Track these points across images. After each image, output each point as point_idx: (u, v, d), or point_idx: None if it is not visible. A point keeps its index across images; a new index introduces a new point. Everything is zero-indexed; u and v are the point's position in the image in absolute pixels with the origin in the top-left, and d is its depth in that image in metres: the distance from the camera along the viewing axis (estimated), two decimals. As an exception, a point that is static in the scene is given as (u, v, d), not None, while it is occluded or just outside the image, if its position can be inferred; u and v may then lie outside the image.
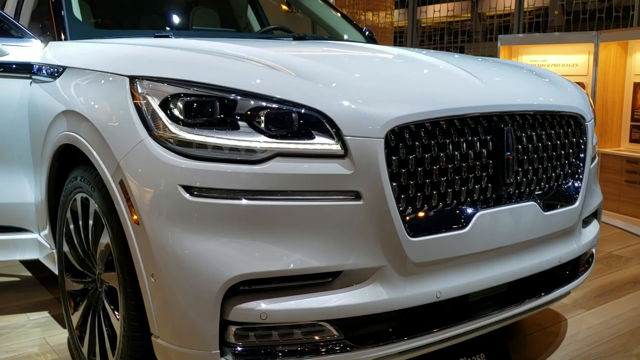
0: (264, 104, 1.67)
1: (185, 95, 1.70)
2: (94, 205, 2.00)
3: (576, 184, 2.20)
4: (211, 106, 1.68)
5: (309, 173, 1.64)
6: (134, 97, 1.79)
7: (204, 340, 1.65)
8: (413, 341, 1.82)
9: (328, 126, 1.65)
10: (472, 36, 9.48)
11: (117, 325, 1.94)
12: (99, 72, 2.01)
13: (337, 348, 1.72)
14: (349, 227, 1.66)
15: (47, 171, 2.33)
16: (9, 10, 3.19)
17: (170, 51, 2.08)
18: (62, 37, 2.57)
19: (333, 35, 3.61)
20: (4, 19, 2.54)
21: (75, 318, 2.28)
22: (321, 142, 1.65)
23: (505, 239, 1.96)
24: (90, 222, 2.05)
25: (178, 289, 1.64)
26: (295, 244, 1.64)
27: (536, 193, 2.06)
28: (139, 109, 1.76)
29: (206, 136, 1.65)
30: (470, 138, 1.86)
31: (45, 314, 2.84)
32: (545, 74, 2.46)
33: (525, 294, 2.11)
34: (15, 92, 2.56)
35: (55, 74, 2.31)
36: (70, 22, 2.61)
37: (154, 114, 1.73)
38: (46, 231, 2.53)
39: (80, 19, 2.72)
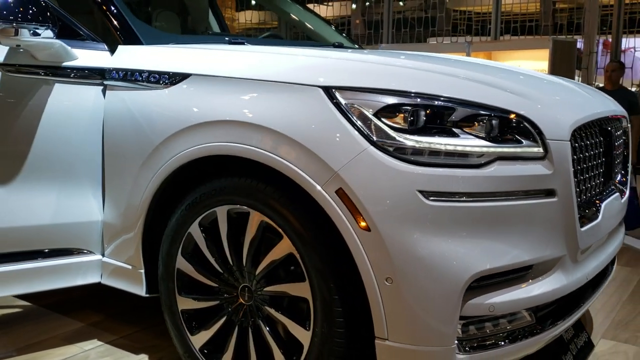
0: (478, 111, 1.80)
1: (406, 105, 1.77)
2: (258, 218, 1.96)
3: (626, 175, 2.62)
4: (431, 114, 1.77)
5: (521, 175, 1.81)
6: (338, 107, 1.81)
7: (441, 336, 1.74)
8: (568, 320, 2.07)
9: (532, 130, 1.84)
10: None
11: (303, 335, 1.92)
12: (269, 81, 1.96)
13: (530, 332, 1.91)
14: (548, 222, 1.86)
15: (155, 186, 2.18)
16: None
17: (359, 63, 2.09)
18: (131, 41, 2.39)
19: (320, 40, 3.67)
20: (69, 22, 2.31)
21: (201, 337, 2.17)
22: (528, 146, 1.83)
23: (611, 225, 2.29)
24: (249, 235, 2.00)
25: (419, 289, 1.71)
26: (513, 240, 1.80)
27: (618, 183, 2.43)
28: (349, 119, 1.78)
29: (434, 143, 1.74)
30: (595, 139, 2.16)
31: (96, 342, 2.61)
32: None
33: (603, 275, 2.47)
34: (88, 101, 2.33)
35: (166, 82, 2.18)
36: (137, 25, 2.44)
37: (371, 123, 1.77)
38: (111, 250, 2.36)
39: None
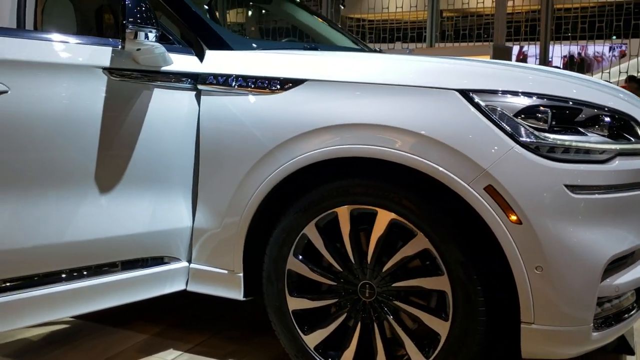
0: (600, 112, 1.99)
1: (542, 106, 1.93)
2: (388, 216, 2.04)
3: None
4: (562, 115, 1.95)
5: (636, 168, 2.02)
6: (479, 109, 1.93)
7: (582, 316, 1.91)
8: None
9: (637, 128, 2.05)
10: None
11: (441, 326, 2.02)
12: (400, 86, 2.04)
13: (631, 310, 2.13)
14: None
15: (265, 190, 2.19)
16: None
17: (486, 68, 2.20)
18: (218, 47, 2.39)
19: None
20: (162, 26, 2.28)
21: (317, 336, 2.22)
22: (635, 141, 2.04)
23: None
24: (376, 234, 2.07)
25: (565, 275, 1.87)
26: (631, 226, 2.01)
27: None
28: (493, 120, 1.92)
29: (570, 141, 1.91)
30: None
31: (174, 352, 2.56)
32: None
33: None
34: (183, 106, 2.30)
35: (277, 87, 2.20)
36: (222, 31, 2.44)
37: (514, 124, 1.91)
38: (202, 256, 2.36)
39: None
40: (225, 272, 2.36)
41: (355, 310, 2.17)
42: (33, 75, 1.97)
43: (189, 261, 2.43)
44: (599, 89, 2.17)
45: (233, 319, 2.93)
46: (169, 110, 2.28)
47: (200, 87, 2.32)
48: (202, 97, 2.33)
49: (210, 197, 2.34)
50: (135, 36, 2.01)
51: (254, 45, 2.52)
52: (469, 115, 1.94)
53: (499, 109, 1.93)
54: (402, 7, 9.87)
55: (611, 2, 8.36)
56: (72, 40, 2.13)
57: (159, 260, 2.37)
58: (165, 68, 2.26)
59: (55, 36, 2.07)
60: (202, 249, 2.40)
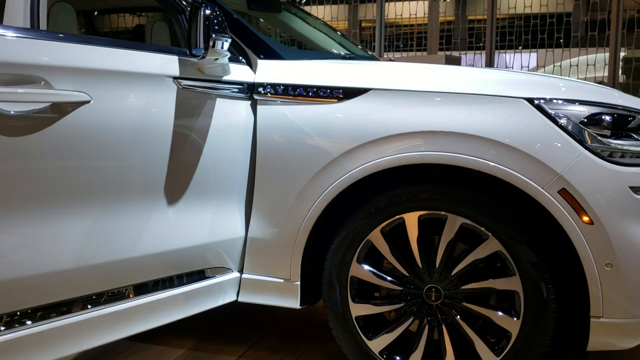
0: None
1: (604, 114, 2.07)
2: (459, 221, 2.12)
3: None
4: (620, 122, 2.09)
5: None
6: (548, 116, 2.05)
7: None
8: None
9: None
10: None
11: (512, 325, 2.12)
12: (468, 94, 2.12)
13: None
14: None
15: (329, 197, 2.21)
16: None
17: (546, 78, 2.31)
18: (269, 57, 2.39)
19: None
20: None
21: (382, 341, 2.26)
22: None
23: None
24: (446, 238, 2.15)
25: (632, 270, 2.01)
26: None
27: None
28: (562, 127, 2.03)
29: (630, 146, 2.06)
30: None
31: (219, 365, 2.53)
32: None
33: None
34: (240, 116, 2.29)
35: (340, 96, 2.23)
36: (271, 41, 2.44)
37: (582, 130, 2.04)
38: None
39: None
40: (281, 280, 2.36)
41: (421, 314, 2.23)
42: (112, 84, 1.91)
43: (241, 271, 2.41)
44: (632, 98, 2.34)
45: (266, 328, 2.91)
46: (227, 120, 2.27)
47: (256, 96, 2.32)
48: (258, 106, 2.32)
49: (266, 205, 2.34)
50: (214, 45, 1.99)
51: (301, 55, 2.54)
52: (539, 122, 2.05)
53: (566, 116, 2.05)
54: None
55: (520, 14, 8.85)
56: (146, 48, 2.08)
57: (213, 272, 2.34)
58: (226, 77, 2.25)
59: (130, 44, 2.02)
60: (256, 258, 2.38)
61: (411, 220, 2.20)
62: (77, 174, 1.86)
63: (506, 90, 2.12)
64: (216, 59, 2.08)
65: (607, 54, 7.19)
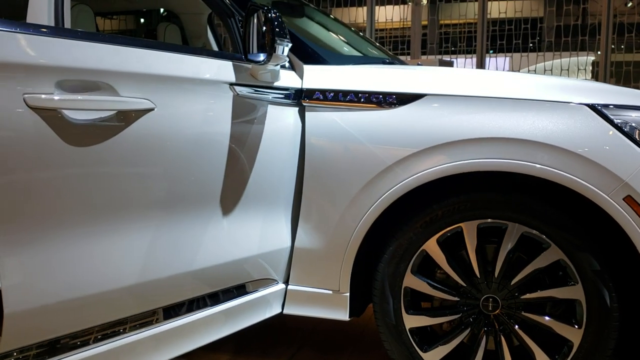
0: None
1: (666, 119, 2.06)
2: (519, 229, 2.08)
3: None
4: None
5: None
6: (611, 123, 2.02)
7: None
8: None
9: None
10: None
11: (573, 334, 2.08)
12: (528, 100, 2.08)
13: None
14: None
15: (382, 206, 2.15)
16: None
17: (599, 84, 2.28)
18: (313, 62, 2.32)
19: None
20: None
21: (437, 353, 2.21)
22: None
23: None
24: (506, 247, 2.11)
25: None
26: None
27: None
28: (626, 133, 2.01)
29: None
30: None
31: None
32: None
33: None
34: (289, 122, 2.21)
35: (393, 102, 2.17)
36: (315, 46, 2.37)
37: (642, 135, 2.02)
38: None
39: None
40: (330, 292, 2.29)
41: (478, 325, 2.19)
42: (174, 91, 1.82)
43: (286, 283, 2.33)
44: None
45: (300, 340, 2.83)
46: (277, 127, 2.19)
47: (305, 103, 2.24)
48: (306, 112, 2.25)
49: (315, 215, 2.26)
50: (276, 50, 1.91)
51: (342, 60, 2.47)
52: (602, 128, 2.03)
53: (628, 122, 2.03)
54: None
55: (488, 19, 8.96)
56: (203, 53, 1.99)
57: (261, 284, 2.26)
58: (277, 83, 2.17)
59: (188, 49, 1.93)
60: (303, 269, 2.31)
61: (470, 229, 2.15)
62: (143, 184, 1.76)
63: (569, 97, 2.09)
64: (276, 65, 2.00)
65: (580, 58, 7.33)
